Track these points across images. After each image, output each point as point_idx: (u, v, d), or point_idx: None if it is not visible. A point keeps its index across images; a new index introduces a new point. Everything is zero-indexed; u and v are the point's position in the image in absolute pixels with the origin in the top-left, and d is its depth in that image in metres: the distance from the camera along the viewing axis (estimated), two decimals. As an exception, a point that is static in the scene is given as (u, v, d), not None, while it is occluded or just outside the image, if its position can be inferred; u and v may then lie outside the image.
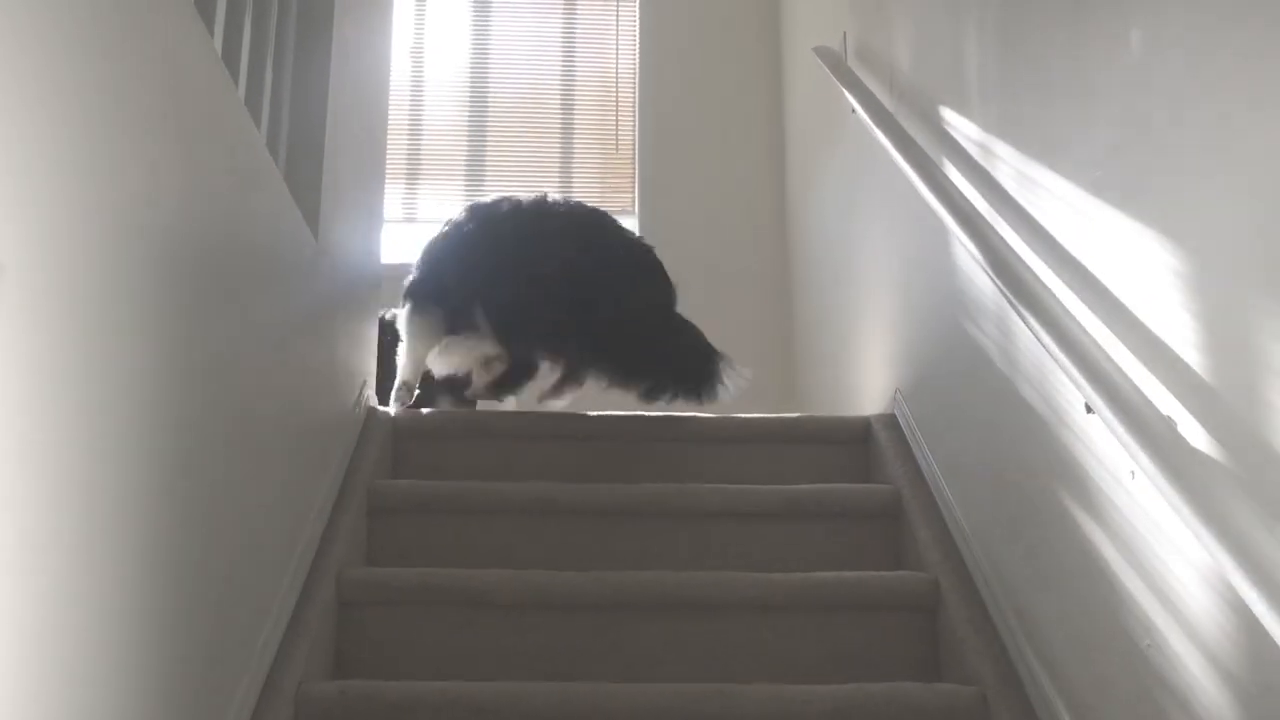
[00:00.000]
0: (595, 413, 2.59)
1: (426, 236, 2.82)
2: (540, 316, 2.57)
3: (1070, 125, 1.62)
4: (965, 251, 1.93)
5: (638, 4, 4.34)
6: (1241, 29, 1.20)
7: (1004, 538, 1.87)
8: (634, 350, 2.57)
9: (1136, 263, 1.41)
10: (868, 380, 2.79)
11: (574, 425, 2.57)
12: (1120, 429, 1.31)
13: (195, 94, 1.30)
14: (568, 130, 4.31)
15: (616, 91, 4.33)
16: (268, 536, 1.70)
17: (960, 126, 2.12)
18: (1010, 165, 1.86)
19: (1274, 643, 1.01)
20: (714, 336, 2.66)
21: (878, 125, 2.44)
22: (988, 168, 1.96)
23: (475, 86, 4.33)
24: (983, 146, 1.99)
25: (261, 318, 1.63)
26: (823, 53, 3.07)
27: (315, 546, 1.97)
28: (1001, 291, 1.72)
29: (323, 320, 2.10)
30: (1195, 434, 1.25)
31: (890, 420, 2.49)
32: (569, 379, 2.70)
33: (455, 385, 2.78)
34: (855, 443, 2.55)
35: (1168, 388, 1.31)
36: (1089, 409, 1.42)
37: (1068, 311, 1.58)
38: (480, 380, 2.73)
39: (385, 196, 2.92)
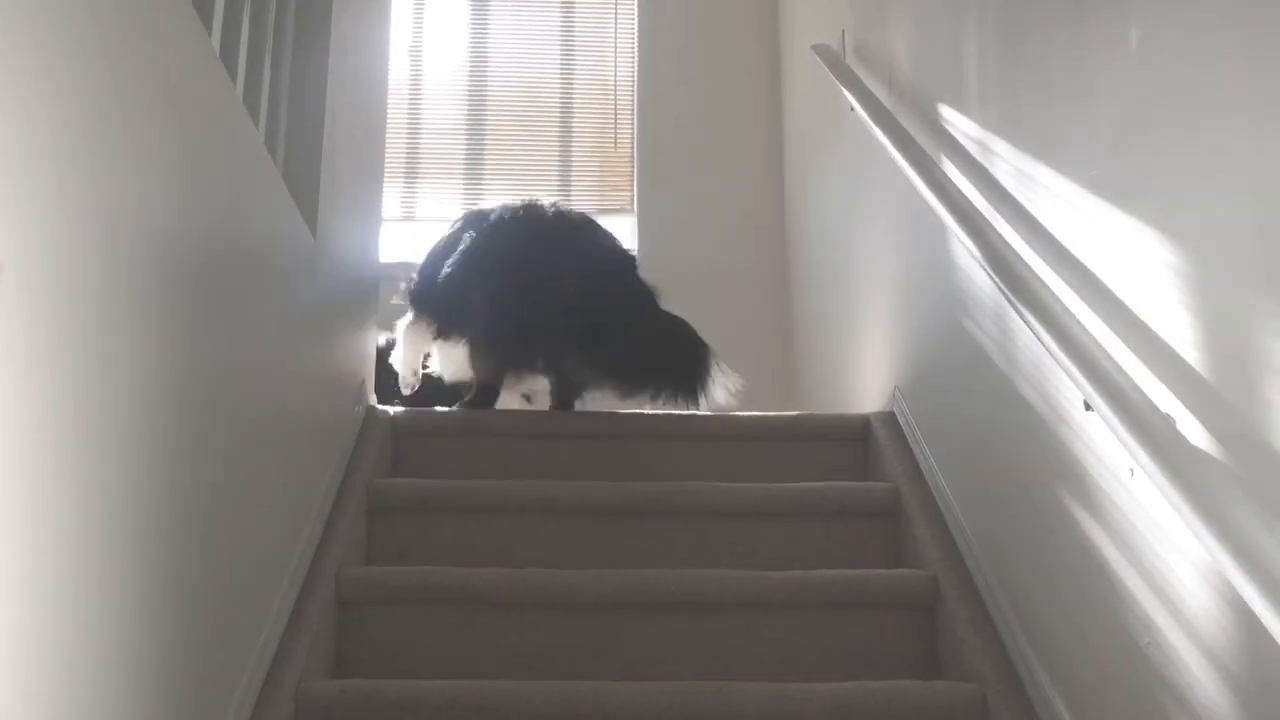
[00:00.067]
0: (595, 410, 2.60)
1: (432, 237, 2.85)
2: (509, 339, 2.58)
3: (1070, 123, 1.62)
4: (964, 249, 1.93)
5: (636, 2, 4.34)
6: (1241, 28, 1.20)
7: (1003, 535, 1.87)
8: (595, 367, 2.57)
9: (1136, 261, 1.41)
10: (867, 378, 2.79)
11: (574, 424, 2.57)
12: (1119, 427, 1.31)
13: (193, 93, 1.30)
14: (566, 129, 4.31)
15: (615, 90, 4.33)
16: (267, 535, 1.70)
17: (959, 124, 2.12)
18: (1009, 163, 1.86)
19: (1273, 640, 1.02)
20: (713, 335, 2.66)
21: (877, 124, 2.44)
22: (987, 166, 1.96)
23: (474, 84, 4.33)
24: (982, 144, 1.99)
25: (260, 316, 1.63)
26: (821, 51, 3.07)
27: (315, 545, 1.97)
28: (1000, 289, 1.72)
29: (321, 319, 2.10)
30: (1194, 432, 1.25)
31: (889, 418, 2.50)
32: (563, 399, 2.69)
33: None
34: (855, 441, 2.55)
35: (1167, 385, 1.32)
36: (1088, 407, 1.42)
37: (1067, 309, 1.58)
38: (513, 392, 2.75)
39: (384, 195, 2.92)
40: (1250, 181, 1.17)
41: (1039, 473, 1.71)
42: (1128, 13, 1.45)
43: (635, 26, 4.32)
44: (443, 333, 2.66)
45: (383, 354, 2.81)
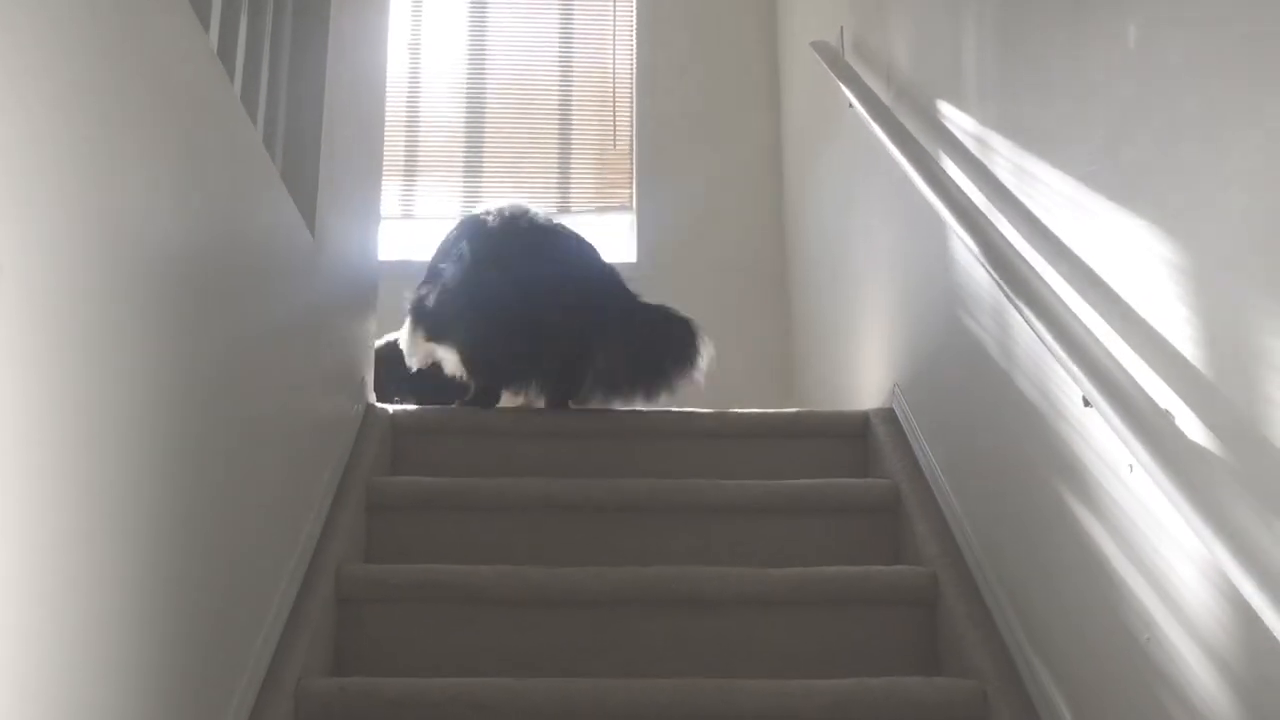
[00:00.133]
0: (594, 408, 2.60)
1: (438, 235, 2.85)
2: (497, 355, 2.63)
3: (1068, 120, 1.62)
4: (963, 246, 1.93)
5: (635, -1, 4.34)
6: (1240, 27, 1.20)
7: (1002, 532, 1.87)
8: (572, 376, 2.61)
9: (1134, 257, 1.41)
10: (866, 375, 2.79)
11: (573, 422, 2.57)
12: (1118, 422, 1.31)
13: (191, 91, 1.30)
14: (565, 126, 4.31)
15: (614, 87, 4.32)
16: (267, 534, 1.70)
17: (958, 121, 2.12)
18: (1008, 159, 1.86)
19: (1271, 636, 1.02)
20: (712, 333, 2.66)
21: (875, 120, 2.44)
22: (986, 162, 1.96)
23: (473, 82, 4.32)
24: (980, 141, 1.99)
25: (259, 315, 1.63)
26: (820, 48, 3.06)
27: (314, 543, 1.97)
28: (999, 286, 1.72)
29: (320, 317, 2.10)
30: (1193, 428, 1.25)
31: (889, 415, 2.50)
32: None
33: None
34: (854, 437, 2.55)
35: (1165, 381, 1.32)
36: (1087, 403, 1.42)
37: (1065, 305, 1.58)
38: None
39: (383, 193, 2.92)
40: (1248, 177, 1.17)
41: (1038, 469, 1.71)
42: (1127, 10, 1.45)
43: (634, 23, 4.32)
44: (439, 343, 2.70)
45: (381, 354, 2.81)
